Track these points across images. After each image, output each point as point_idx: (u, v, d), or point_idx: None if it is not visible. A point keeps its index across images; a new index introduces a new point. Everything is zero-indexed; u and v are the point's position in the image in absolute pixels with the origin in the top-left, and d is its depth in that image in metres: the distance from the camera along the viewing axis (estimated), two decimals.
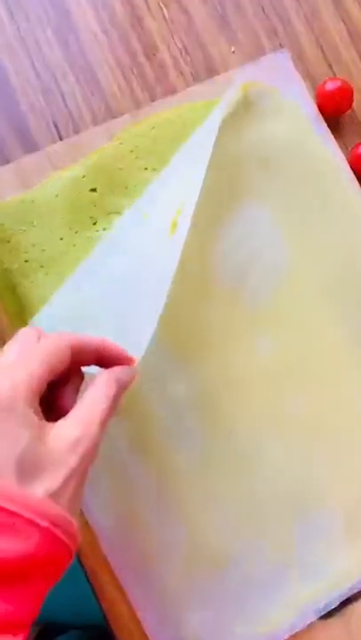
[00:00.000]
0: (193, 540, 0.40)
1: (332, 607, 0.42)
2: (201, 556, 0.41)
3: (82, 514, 0.41)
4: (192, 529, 0.40)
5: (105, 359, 0.33)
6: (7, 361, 0.29)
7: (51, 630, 0.60)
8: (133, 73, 0.47)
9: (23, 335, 0.31)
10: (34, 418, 0.27)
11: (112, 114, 0.46)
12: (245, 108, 0.46)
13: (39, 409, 0.29)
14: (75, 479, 0.28)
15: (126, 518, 0.40)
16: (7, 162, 0.44)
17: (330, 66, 0.49)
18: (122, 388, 0.31)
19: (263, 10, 0.49)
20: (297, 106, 0.47)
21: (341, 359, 0.43)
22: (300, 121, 0.46)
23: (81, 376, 0.32)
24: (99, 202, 0.44)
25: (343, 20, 0.50)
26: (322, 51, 0.49)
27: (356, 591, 0.43)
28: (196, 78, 0.48)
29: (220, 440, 0.41)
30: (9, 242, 0.42)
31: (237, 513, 0.41)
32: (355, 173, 0.47)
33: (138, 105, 0.47)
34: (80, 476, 0.28)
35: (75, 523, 0.28)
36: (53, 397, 0.31)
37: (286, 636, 0.41)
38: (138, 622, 0.41)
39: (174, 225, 0.39)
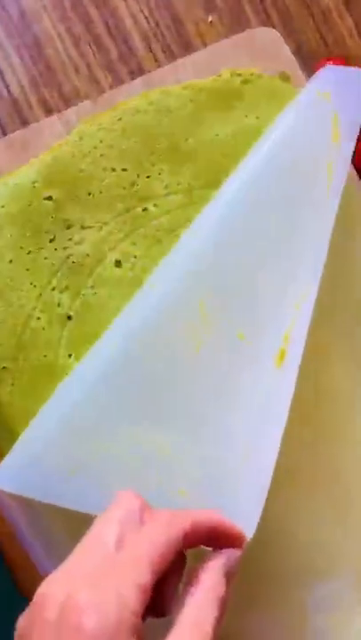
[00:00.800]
0: None
1: None
2: None
3: None
4: None
5: (214, 540, 0.26)
6: (107, 551, 0.23)
7: None
8: (92, 49, 0.39)
9: (123, 510, 0.25)
10: None
11: (68, 101, 0.38)
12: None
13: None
14: None
15: None
16: None
17: (321, 36, 0.42)
18: (231, 581, 0.26)
19: None
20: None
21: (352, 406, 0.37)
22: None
23: (183, 561, 0.26)
24: (56, 213, 0.36)
25: None
26: (314, 23, 0.42)
27: None
28: (169, 56, 0.40)
29: None
30: None
31: (247, 588, 0.35)
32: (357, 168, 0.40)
33: (100, 89, 0.38)
34: None
35: None
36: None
37: None
38: None
39: (282, 354, 0.31)
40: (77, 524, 0.27)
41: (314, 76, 0.38)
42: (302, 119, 0.37)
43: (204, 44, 0.40)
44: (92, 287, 0.36)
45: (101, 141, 0.37)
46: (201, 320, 0.33)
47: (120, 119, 0.37)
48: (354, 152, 0.40)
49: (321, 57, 0.41)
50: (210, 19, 0.41)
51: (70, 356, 0.35)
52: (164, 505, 0.26)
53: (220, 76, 0.39)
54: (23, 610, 0.24)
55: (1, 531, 0.36)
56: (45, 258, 0.35)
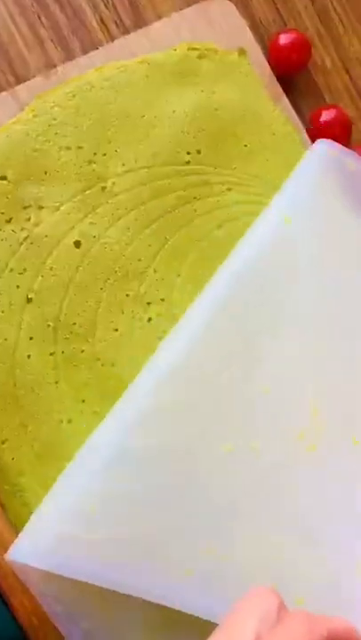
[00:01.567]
0: None
1: None
2: None
3: None
4: None
5: None
6: None
7: None
8: (42, 23, 0.38)
9: (262, 607, 0.25)
10: None
11: (19, 77, 0.37)
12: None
13: None
14: None
15: None
16: None
17: (278, 12, 0.42)
18: None
19: None
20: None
21: None
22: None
23: None
24: (12, 193, 0.35)
25: None
26: None
27: None
28: (123, 29, 0.39)
29: None
30: None
31: None
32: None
33: (50, 64, 0.38)
34: None
35: None
36: None
37: None
38: None
39: None
40: None
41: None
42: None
43: (159, 17, 0.40)
44: (52, 269, 0.36)
45: (55, 119, 0.36)
46: (312, 422, 0.34)
47: (74, 95, 0.37)
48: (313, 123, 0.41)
49: (276, 31, 0.41)
50: None
51: (31, 338, 0.35)
52: None
53: (175, 49, 0.39)
54: None
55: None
56: (2, 239, 0.35)
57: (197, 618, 0.32)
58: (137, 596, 0.32)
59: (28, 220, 0.36)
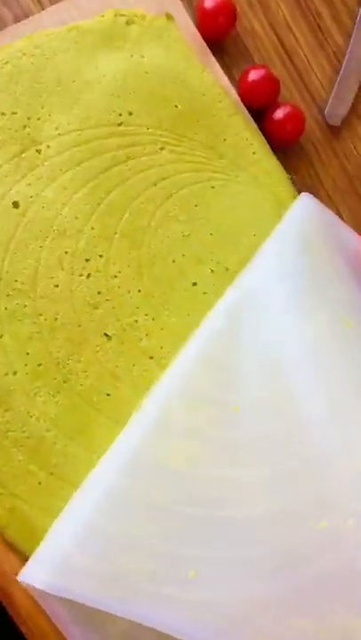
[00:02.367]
0: None
1: None
2: None
3: None
4: None
5: None
6: None
7: None
8: None
9: None
10: None
11: None
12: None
13: None
14: None
15: None
16: None
17: None
18: None
19: None
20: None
21: None
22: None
23: None
24: None
25: None
26: None
27: None
28: None
29: None
30: None
31: None
32: (245, 103, 0.43)
33: None
34: None
35: None
36: None
37: None
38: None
39: None
40: None
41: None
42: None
43: None
44: None
45: None
46: None
47: (7, 62, 0.39)
48: (241, 83, 0.43)
49: None
50: None
51: None
52: None
53: (103, 16, 0.41)
54: None
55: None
56: None
57: None
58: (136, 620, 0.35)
59: None
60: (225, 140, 0.43)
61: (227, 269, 0.42)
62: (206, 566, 0.36)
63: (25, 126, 0.39)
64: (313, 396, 0.38)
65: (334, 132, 0.47)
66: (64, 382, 0.39)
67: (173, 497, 0.37)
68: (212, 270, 0.42)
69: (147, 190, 0.41)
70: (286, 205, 0.43)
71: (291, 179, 0.45)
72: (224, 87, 0.44)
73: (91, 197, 0.39)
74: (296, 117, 0.44)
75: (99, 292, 0.39)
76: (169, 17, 0.43)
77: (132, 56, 0.41)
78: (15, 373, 0.38)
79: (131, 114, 0.41)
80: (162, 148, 0.41)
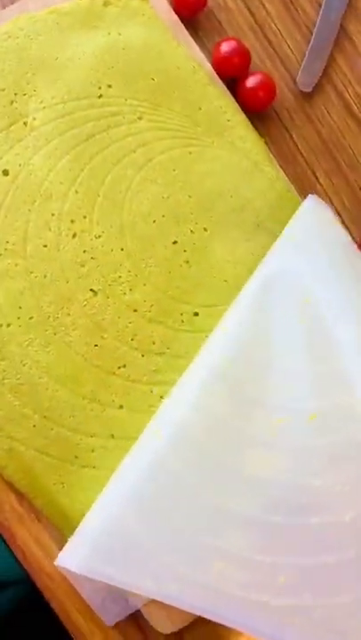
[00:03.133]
0: None
1: None
2: None
3: None
4: None
5: None
6: None
7: None
8: None
9: None
10: None
11: None
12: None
13: None
14: None
15: None
16: None
17: None
18: None
19: None
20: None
21: None
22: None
23: None
24: None
25: None
26: None
27: None
28: None
29: None
30: None
31: None
32: (218, 74, 0.47)
33: None
34: None
35: None
36: None
37: None
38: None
39: None
40: None
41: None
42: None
43: None
44: None
45: None
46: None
47: None
48: (214, 56, 0.46)
49: None
50: None
51: None
52: None
53: (81, 0, 0.45)
54: None
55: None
56: None
57: None
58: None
59: None
60: (200, 108, 0.47)
61: (205, 229, 0.46)
62: (295, 572, 0.39)
63: (12, 102, 0.43)
64: None
65: (307, 98, 0.50)
66: (54, 334, 0.43)
67: (258, 505, 0.40)
68: (191, 230, 0.45)
69: (126, 156, 0.45)
70: (261, 168, 0.47)
71: (265, 143, 0.48)
72: (198, 60, 0.47)
73: (74, 164, 0.44)
74: (267, 85, 0.48)
75: (84, 251, 0.43)
76: None
77: (109, 34, 0.46)
78: (9, 325, 0.42)
79: (110, 86, 0.45)
80: (140, 118, 0.45)
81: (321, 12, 0.50)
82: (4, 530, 0.43)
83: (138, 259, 0.44)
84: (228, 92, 0.48)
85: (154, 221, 0.45)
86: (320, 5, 0.51)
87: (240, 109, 0.48)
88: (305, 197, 0.49)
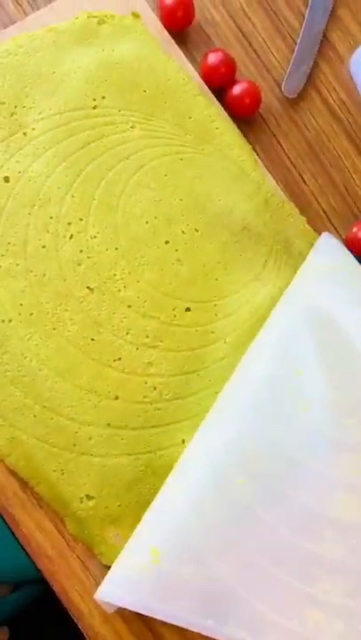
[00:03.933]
0: None
1: None
2: None
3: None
4: None
5: None
6: None
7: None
8: None
9: None
10: None
11: None
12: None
13: None
14: None
15: None
16: None
17: None
18: None
19: None
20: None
21: None
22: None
23: None
24: None
25: None
26: None
27: None
28: (35, 6, 0.50)
29: None
30: None
31: None
32: (208, 84, 0.50)
33: None
34: None
35: None
36: None
37: None
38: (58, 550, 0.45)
39: None
40: None
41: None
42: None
43: None
44: None
45: None
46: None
47: None
48: (201, 66, 0.50)
49: None
50: None
51: None
52: None
53: (77, 19, 0.49)
54: None
55: None
56: None
57: None
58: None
59: None
60: (190, 117, 0.51)
61: (196, 230, 0.49)
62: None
63: (12, 113, 0.47)
64: None
65: (292, 103, 0.54)
66: (53, 329, 0.46)
67: (347, 548, 0.44)
68: (182, 231, 0.49)
69: (120, 163, 0.49)
70: (248, 173, 0.50)
71: (253, 147, 0.52)
72: (187, 72, 0.51)
73: (71, 170, 0.48)
74: (253, 92, 0.51)
75: (81, 251, 0.47)
76: (135, 15, 0.51)
77: (103, 50, 0.50)
78: (10, 321, 0.46)
79: (104, 98, 0.49)
80: (133, 127, 0.49)
81: (304, 23, 0.54)
82: (8, 515, 0.46)
83: (132, 258, 0.48)
84: (216, 101, 0.52)
85: (147, 223, 0.48)
86: (303, 16, 0.54)
87: (228, 118, 0.52)
88: (293, 198, 0.52)
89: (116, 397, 0.47)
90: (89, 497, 0.46)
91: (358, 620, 0.43)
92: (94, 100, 0.49)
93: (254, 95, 0.52)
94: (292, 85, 0.54)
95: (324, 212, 0.53)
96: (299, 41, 0.54)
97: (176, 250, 0.49)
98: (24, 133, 0.48)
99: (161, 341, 0.47)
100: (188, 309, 0.48)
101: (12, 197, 0.47)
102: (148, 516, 0.44)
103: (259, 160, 0.52)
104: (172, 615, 0.42)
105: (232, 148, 0.51)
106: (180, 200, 0.50)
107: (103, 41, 0.50)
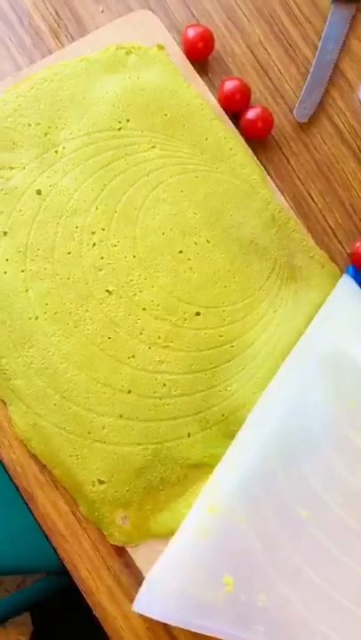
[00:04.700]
0: None
1: None
2: None
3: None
4: None
5: None
6: None
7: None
8: (11, 40, 0.56)
9: None
10: None
11: None
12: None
13: None
14: None
15: None
16: None
17: (192, 14, 0.58)
18: None
19: None
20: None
21: None
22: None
23: None
24: None
25: None
26: (183, 1, 0.58)
27: None
28: (70, 39, 0.56)
29: None
30: None
31: None
32: (225, 109, 0.56)
33: (18, 68, 0.55)
34: None
35: None
36: None
37: None
38: (73, 528, 0.50)
39: None
40: None
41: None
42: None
43: (97, 27, 0.57)
44: (20, 210, 0.53)
45: (20, 105, 0.54)
46: None
47: (32, 87, 0.54)
48: (220, 92, 0.56)
49: (188, 25, 0.57)
50: (101, 9, 0.58)
51: (7, 260, 0.52)
52: None
53: (107, 50, 0.55)
54: None
55: None
56: None
57: None
58: None
59: (2, 177, 0.53)
60: (206, 139, 0.56)
61: (208, 241, 0.55)
62: None
63: (46, 133, 0.54)
64: None
65: (304, 127, 0.59)
66: (75, 327, 0.52)
67: None
68: (195, 242, 0.54)
69: (141, 179, 0.54)
70: (258, 191, 0.56)
71: (265, 167, 0.57)
72: (206, 98, 0.57)
73: (96, 185, 0.54)
74: (265, 117, 0.57)
75: (102, 258, 0.53)
76: (160, 47, 0.57)
77: (129, 77, 0.56)
78: (37, 318, 0.52)
79: (128, 121, 0.55)
80: (153, 147, 0.55)
81: (317, 53, 0.60)
82: (27, 495, 0.52)
83: (148, 265, 0.53)
84: (231, 125, 0.57)
85: (163, 234, 0.54)
86: (316, 47, 0.60)
87: (242, 139, 0.57)
88: (301, 215, 0.57)
89: (129, 391, 0.52)
90: (100, 481, 0.51)
91: None
92: (120, 122, 0.55)
93: (267, 120, 0.57)
94: (303, 111, 0.59)
95: (331, 228, 0.58)
96: (311, 70, 0.60)
97: (189, 259, 0.54)
98: (56, 151, 0.54)
99: (172, 342, 0.53)
100: (198, 314, 0.53)
101: (43, 208, 0.53)
102: (215, 541, 0.49)
103: (269, 179, 0.57)
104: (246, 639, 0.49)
105: (244, 168, 0.56)
106: (195, 214, 0.55)
107: (130, 69, 0.56)
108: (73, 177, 0.54)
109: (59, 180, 0.54)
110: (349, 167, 0.59)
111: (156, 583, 0.49)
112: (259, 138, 0.58)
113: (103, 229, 0.54)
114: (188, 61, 0.58)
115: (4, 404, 0.52)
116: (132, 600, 0.52)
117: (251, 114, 0.57)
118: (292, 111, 0.60)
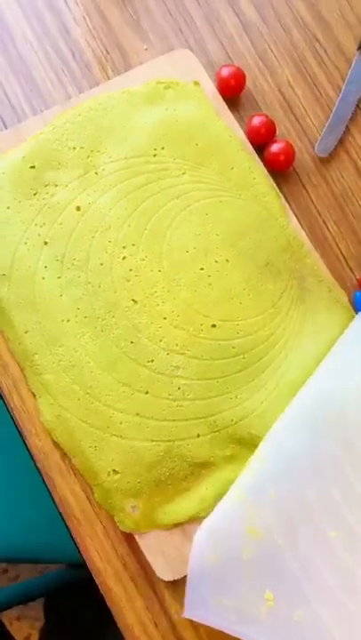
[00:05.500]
0: None
1: None
2: None
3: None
4: None
5: None
6: None
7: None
8: (64, 72, 0.64)
9: None
10: None
11: (47, 105, 0.62)
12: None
13: None
14: None
15: None
16: None
17: (228, 55, 0.65)
18: None
19: (169, 12, 0.65)
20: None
21: None
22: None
23: None
24: (37, 176, 0.60)
25: (237, 15, 0.66)
26: (220, 42, 0.65)
27: None
28: (116, 72, 0.64)
29: None
30: None
31: None
32: (251, 142, 0.62)
33: (68, 97, 0.63)
34: None
35: None
36: None
37: None
38: (88, 512, 0.56)
39: None
40: None
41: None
42: None
43: (140, 63, 0.64)
44: (61, 223, 0.60)
45: (67, 130, 0.62)
46: None
47: (79, 115, 0.62)
48: (247, 127, 0.62)
49: (223, 65, 0.64)
50: (145, 47, 0.65)
51: (46, 267, 0.59)
52: None
53: (148, 84, 0.63)
54: None
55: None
56: (30, 205, 0.60)
57: None
58: None
59: (47, 193, 0.60)
60: (232, 168, 0.63)
61: (227, 260, 0.61)
62: None
63: (88, 156, 0.61)
64: None
65: (324, 162, 0.65)
66: (102, 331, 0.59)
67: None
68: (216, 261, 0.61)
69: (170, 201, 0.61)
70: (276, 217, 0.62)
71: (285, 198, 0.63)
72: (234, 131, 0.64)
73: (129, 204, 0.61)
74: (288, 150, 0.63)
75: (130, 270, 0.60)
76: (196, 83, 0.64)
77: (166, 109, 0.63)
78: (68, 321, 0.59)
79: (163, 148, 0.62)
80: (184, 173, 0.62)
81: (341, 94, 0.66)
82: (49, 479, 0.59)
83: (171, 279, 0.60)
84: (256, 156, 0.64)
85: (187, 252, 0.61)
86: (340, 89, 0.66)
87: (265, 170, 0.64)
88: (316, 242, 0.63)
89: (147, 392, 0.58)
90: (115, 471, 0.57)
91: None
92: (155, 149, 0.62)
93: (289, 153, 0.63)
94: (324, 146, 0.65)
95: (343, 255, 0.64)
96: (334, 109, 0.66)
97: (209, 275, 0.61)
98: (96, 172, 0.61)
99: (188, 350, 0.59)
100: (214, 325, 0.60)
101: (80, 223, 0.60)
102: (258, 561, 0.55)
103: (288, 207, 0.64)
104: None
105: (265, 196, 0.63)
106: (217, 235, 0.62)
107: (167, 102, 0.64)
108: (109, 196, 0.61)
109: (97, 199, 0.61)
110: None
111: (207, 591, 0.55)
112: (281, 169, 0.64)
113: (133, 245, 0.61)
114: (220, 97, 0.65)
115: (34, 395, 0.59)
116: (135, 582, 0.58)
117: (275, 147, 0.64)
118: (313, 146, 0.66)
